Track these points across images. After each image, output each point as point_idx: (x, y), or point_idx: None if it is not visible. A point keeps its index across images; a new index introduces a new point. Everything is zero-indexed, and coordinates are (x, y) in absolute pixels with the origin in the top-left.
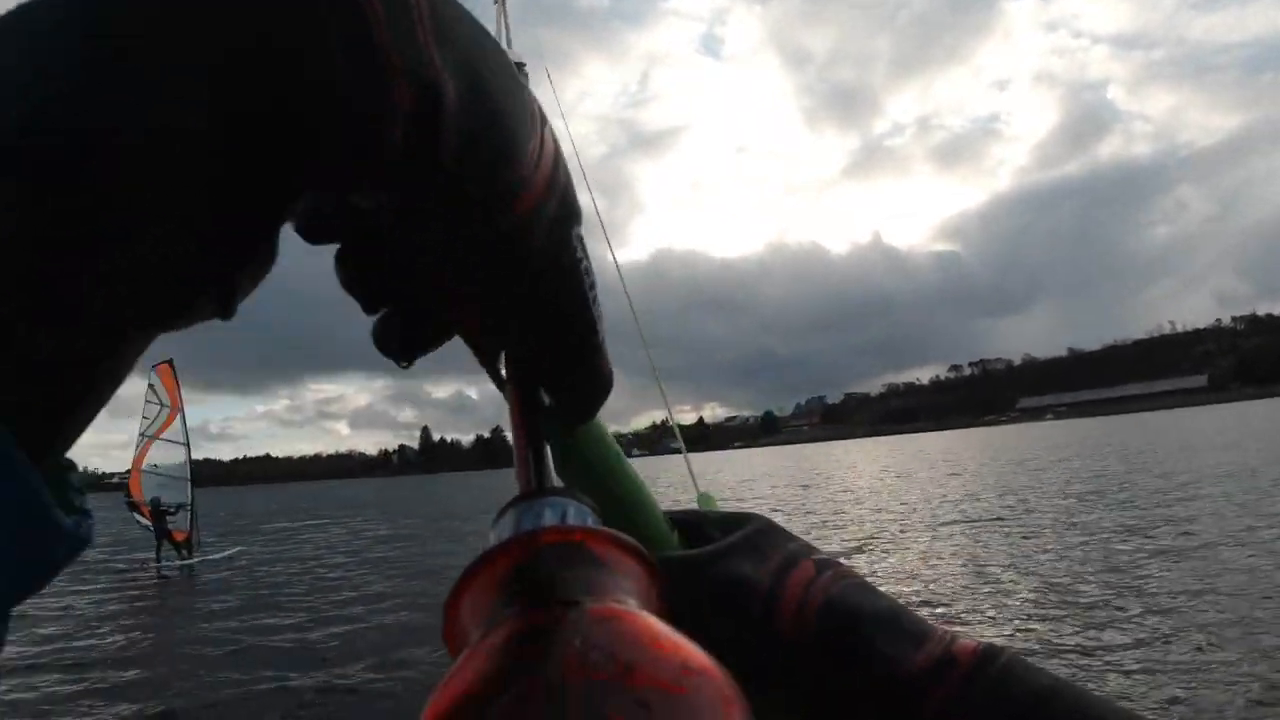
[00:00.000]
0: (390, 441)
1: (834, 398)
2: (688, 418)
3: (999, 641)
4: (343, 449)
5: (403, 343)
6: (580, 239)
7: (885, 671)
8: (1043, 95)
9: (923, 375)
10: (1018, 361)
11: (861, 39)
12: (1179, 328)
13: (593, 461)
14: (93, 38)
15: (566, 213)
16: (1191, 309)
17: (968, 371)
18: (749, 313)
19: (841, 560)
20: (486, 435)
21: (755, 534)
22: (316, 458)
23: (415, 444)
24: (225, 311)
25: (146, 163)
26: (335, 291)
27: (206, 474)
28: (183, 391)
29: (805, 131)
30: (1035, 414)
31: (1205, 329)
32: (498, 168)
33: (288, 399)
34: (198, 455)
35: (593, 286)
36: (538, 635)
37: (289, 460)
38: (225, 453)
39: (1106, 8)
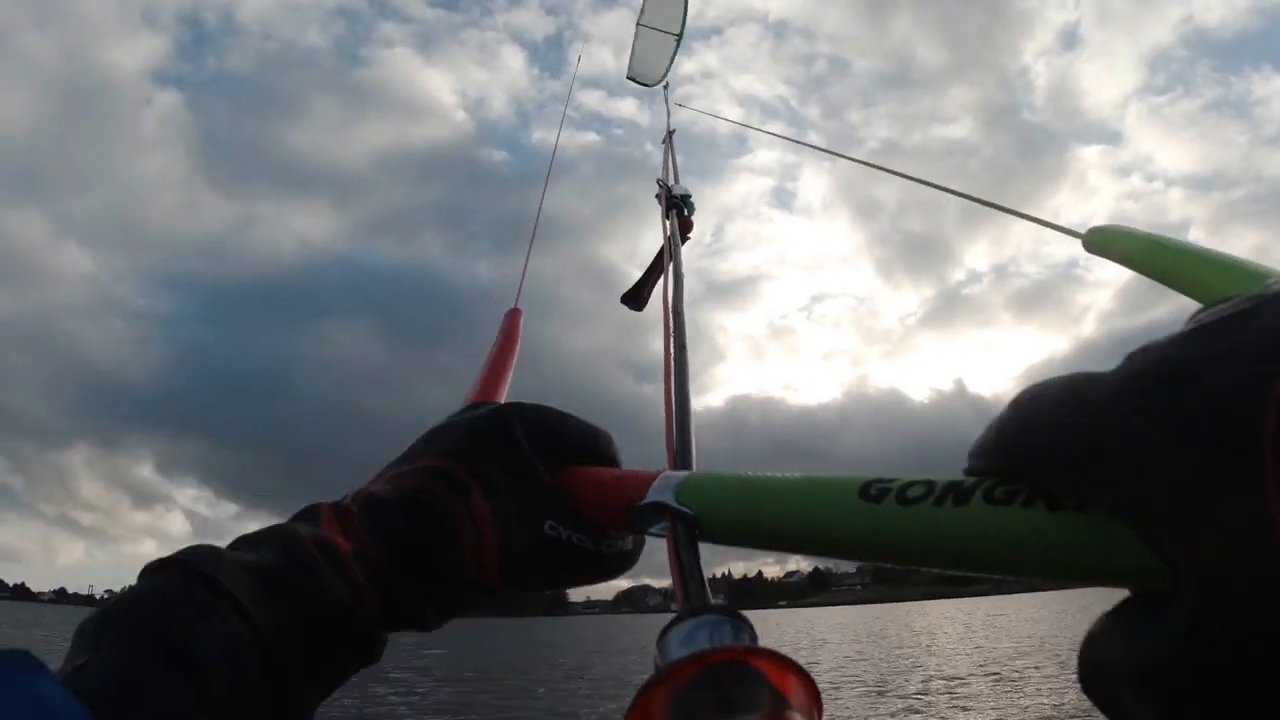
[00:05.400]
0: None
1: None
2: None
3: None
4: None
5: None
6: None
7: None
8: None
9: None
10: None
11: (931, 189)
12: None
13: (734, 527)
14: None
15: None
16: None
17: None
18: (831, 461)
19: None
20: None
21: None
22: None
23: None
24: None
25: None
26: (417, 426)
27: None
28: (269, 518)
29: (880, 280)
30: None
31: None
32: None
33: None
34: None
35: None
36: None
37: None
38: None
39: (1179, 150)
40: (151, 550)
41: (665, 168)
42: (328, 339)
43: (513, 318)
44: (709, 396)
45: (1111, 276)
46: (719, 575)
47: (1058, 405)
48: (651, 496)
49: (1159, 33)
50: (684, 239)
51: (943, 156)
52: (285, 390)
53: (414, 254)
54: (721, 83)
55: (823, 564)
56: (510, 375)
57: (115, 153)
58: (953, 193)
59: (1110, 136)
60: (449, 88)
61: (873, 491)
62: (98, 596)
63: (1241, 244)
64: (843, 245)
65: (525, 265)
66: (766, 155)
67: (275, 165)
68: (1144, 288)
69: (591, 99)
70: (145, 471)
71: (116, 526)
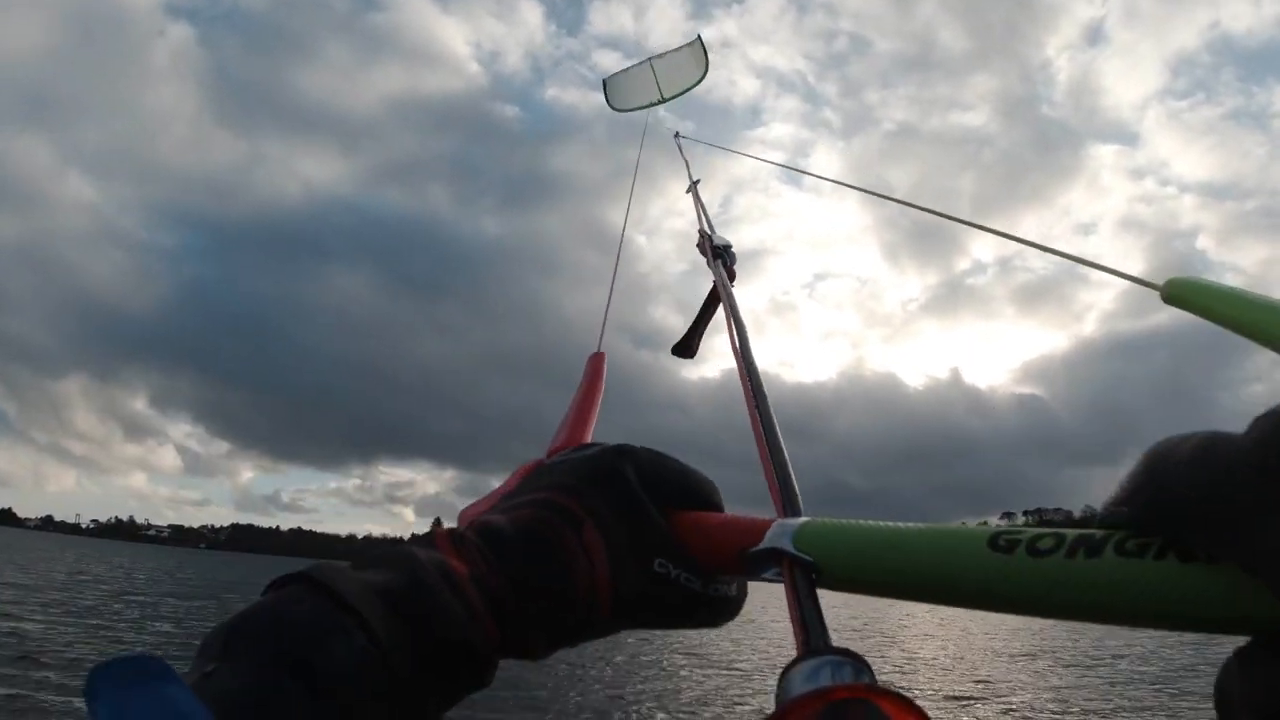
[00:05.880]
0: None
1: None
2: None
3: None
4: (405, 534)
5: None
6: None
7: None
8: (1130, 241)
9: (991, 522)
10: (1077, 514)
11: (944, 176)
12: None
13: (854, 574)
14: None
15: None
16: None
17: (1021, 520)
18: (824, 441)
19: None
20: None
21: None
22: (350, 537)
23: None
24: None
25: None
26: (423, 384)
27: (244, 540)
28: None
29: (885, 264)
30: None
31: None
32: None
33: (360, 479)
34: (252, 521)
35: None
36: None
37: (322, 536)
38: (290, 522)
39: (1195, 157)
40: (142, 483)
41: (700, 217)
42: (328, 284)
43: (596, 362)
44: (704, 368)
45: (1115, 277)
46: None
47: (1191, 463)
48: (768, 542)
49: (1185, 36)
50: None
51: (958, 144)
52: (283, 332)
53: (420, 204)
54: (740, 52)
55: None
56: (596, 418)
57: (125, 84)
58: (1014, 239)
59: (1127, 137)
60: (464, 38)
61: (1002, 543)
62: (84, 526)
63: (1250, 256)
64: (850, 225)
65: (606, 312)
66: (780, 129)
67: (285, 106)
68: (1148, 291)
69: (609, 60)
70: (139, 405)
71: (108, 458)
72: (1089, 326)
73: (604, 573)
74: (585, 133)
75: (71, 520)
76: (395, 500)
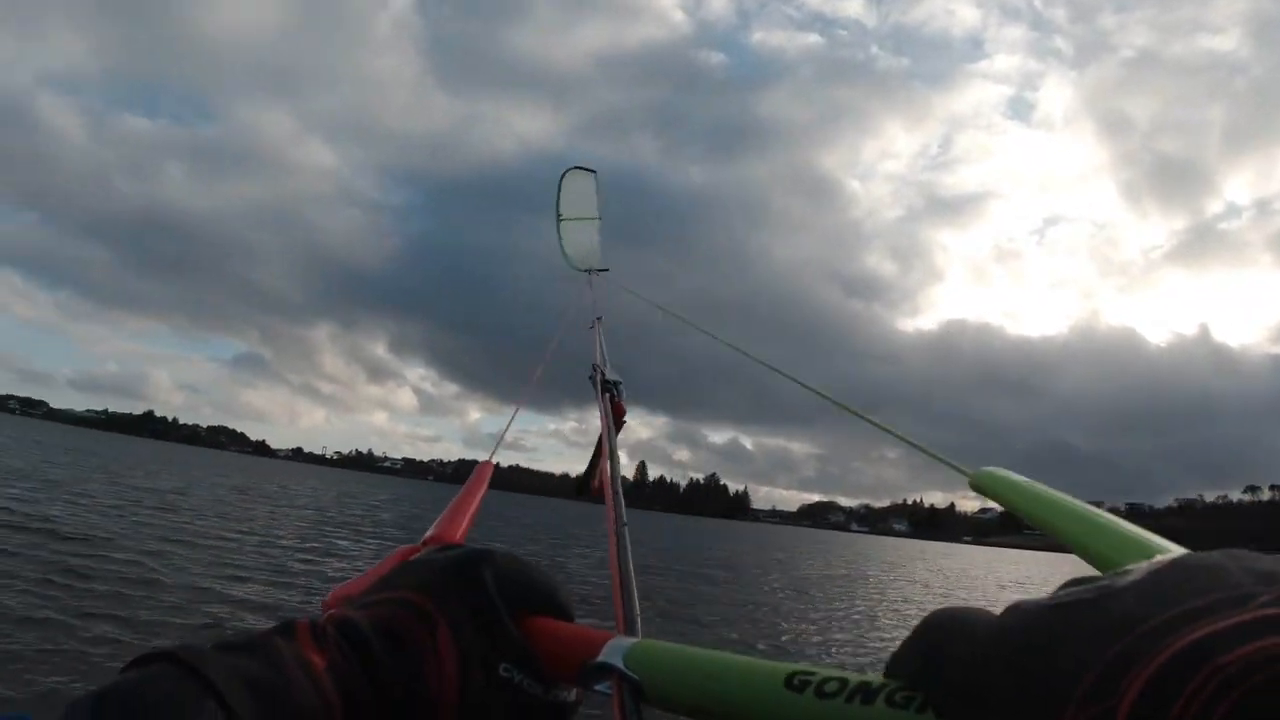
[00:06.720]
0: (666, 475)
1: (1116, 505)
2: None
3: None
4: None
5: None
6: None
7: None
8: None
9: (1232, 496)
10: None
11: (1191, 108)
12: None
13: (672, 697)
14: None
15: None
16: None
17: (1267, 496)
18: (1046, 399)
19: None
20: (701, 480)
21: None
22: (563, 476)
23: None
24: None
25: None
26: (633, 333)
27: (468, 474)
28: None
29: (1124, 207)
30: None
31: None
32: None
33: (576, 422)
34: (477, 458)
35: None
36: None
37: (536, 473)
38: (513, 460)
39: None
40: (383, 421)
41: (596, 351)
42: (541, 237)
43: (484, 470)
44: (920, 319)
45: None
46: (909, 501)
47: (951, 637)
48: (603, 657)
49: None
50: (618, 424)
51: (1206, 71)
52: (501, 283)
53: (626, 155)
54: None
55: None
56: (473, 519)
57: (353, 53)
58: (850, 410)
59: None
60: None
61: (796, 682)
62: (328, 457)
63: None
64: (1084, 164)
65: (504, 430)
66: (1005, 61)
67: (499, 65)
68: None
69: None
70: (379, 350)
71: (353, 397)
72: None
73: (452, 673)
74: (792, 76)
75: (319, 452)
76: None
